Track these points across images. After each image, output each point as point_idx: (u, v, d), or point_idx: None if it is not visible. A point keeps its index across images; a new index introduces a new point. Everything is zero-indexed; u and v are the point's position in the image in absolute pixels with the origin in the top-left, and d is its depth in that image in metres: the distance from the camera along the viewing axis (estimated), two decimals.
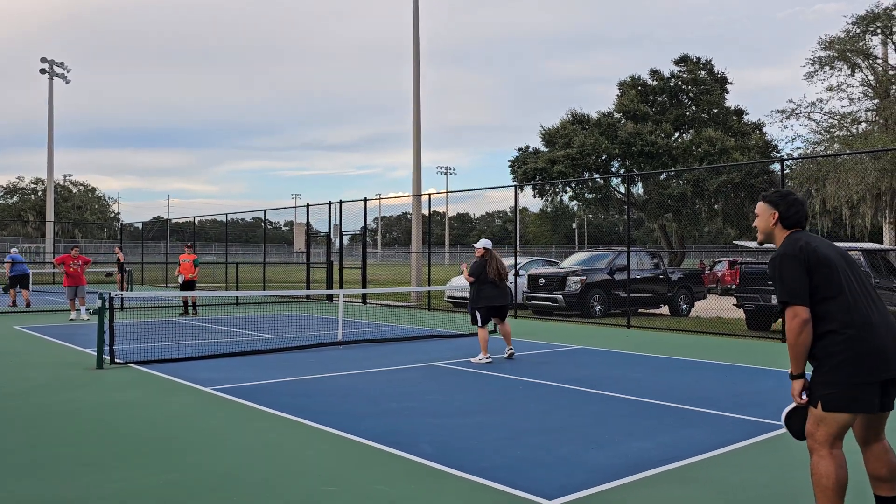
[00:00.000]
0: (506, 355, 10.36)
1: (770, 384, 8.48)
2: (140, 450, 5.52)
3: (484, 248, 10.33)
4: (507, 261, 21.41)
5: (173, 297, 20.49)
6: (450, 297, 20.66)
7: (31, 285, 21.86)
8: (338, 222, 23.75)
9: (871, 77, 33.32)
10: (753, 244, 27.92)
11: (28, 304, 20.23)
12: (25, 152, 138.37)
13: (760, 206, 3.84)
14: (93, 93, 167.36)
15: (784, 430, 5.26)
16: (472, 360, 10.08)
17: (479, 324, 10.18)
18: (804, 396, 3.58)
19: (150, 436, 5.95)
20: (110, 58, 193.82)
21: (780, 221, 3.74)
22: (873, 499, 3.74)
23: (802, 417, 3.67)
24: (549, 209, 36.13)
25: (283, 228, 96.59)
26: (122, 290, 21.93)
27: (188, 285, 17.70)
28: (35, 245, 48.50)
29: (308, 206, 25.34)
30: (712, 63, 34.11)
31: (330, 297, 23.67)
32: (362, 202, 23.25)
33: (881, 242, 32.25)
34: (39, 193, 63.52)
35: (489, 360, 9.97)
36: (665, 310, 19.19)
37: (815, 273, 3.48)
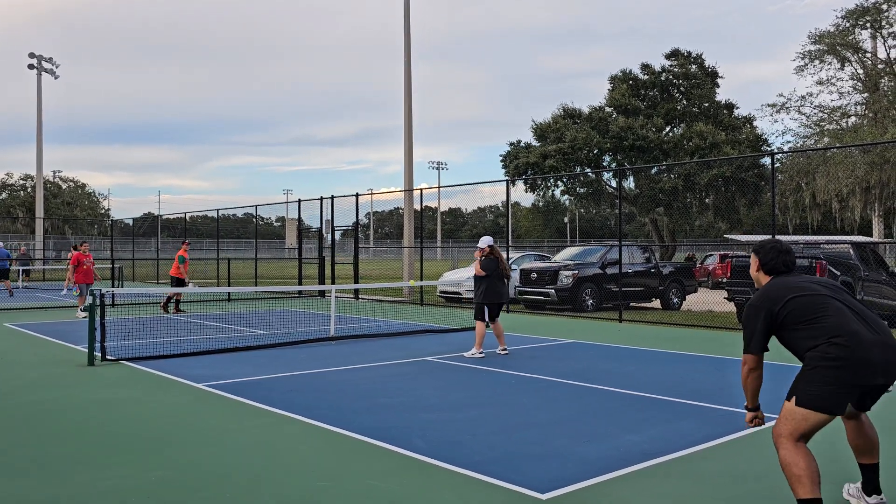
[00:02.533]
0: (501, 352, 10.33)
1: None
2: (133, 447, 5.51)
3: (488, 246, 10.35)
4: None
5: (165, 294, 20.42)
6: (442, 292, 20.67)
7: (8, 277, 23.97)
8: (329, 217, 23.71)
9: (860, 71, 33.46)
10: (744, 238, 28.04)
11: (11, 294, 21.98)
12: (14, 148, 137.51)
13: (754, 259, 4.21)
14: (82, 88, 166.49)
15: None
16: (465, 354, 10.11)
17: (486, 319, 10.21)
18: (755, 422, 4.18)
19: (143, 433, 5.94)
20: (99, 53, 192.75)
21: (762, 268, 4.12)
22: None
23: None
24: (540, 204, 36.16)
25: (275, 224, 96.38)
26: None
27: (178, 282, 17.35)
28: (25, 242, 48.19)
29: (300, 201, 25.29)
30: (703, 57, 34.20)
31: (322, 293, 23.64)
32: (354, 197, 23.22)
33: (870, 235, 32.44)
34: (29, 190, 63.11)
35: (482, 355, 9.99)
36: (657, 303, 19.26)
37: (787, 305, 3.81)
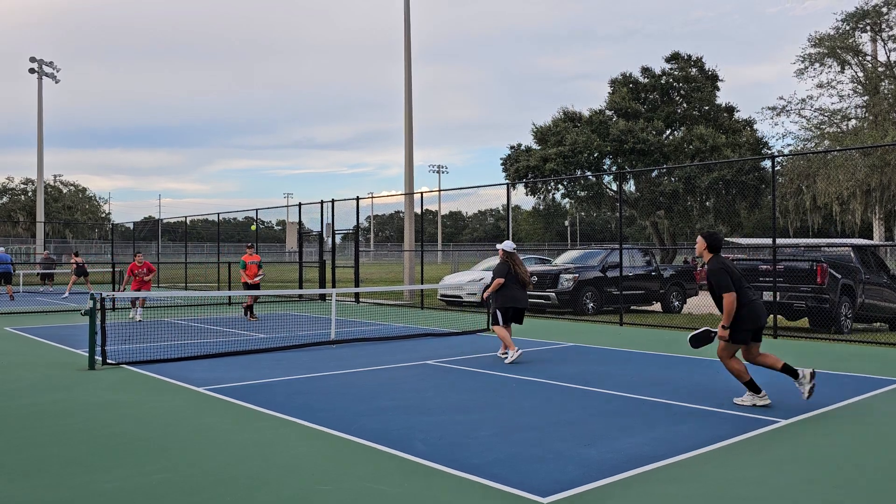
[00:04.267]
0: (501, 356, 10.21)
1: (762, 380, 8.52)
2: (133, 450, 5.51)
3: (503, 251, 10.25)
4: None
5: (165, 298, 20.45)
6: (442, 296, 20.67)
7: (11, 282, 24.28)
8: (330, 221, 23.72)
9: (860, 74, 33.49)
10: (745, 241, 28.02)
11: (11, 298, 22.33)
12: (14, 152, 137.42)
13: (699, 239, 7.15)
14: (81, 92, 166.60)
15: (777, 424, 6.35)
16: (506, 360, 9.83)
17: (501, 323, 10.09)
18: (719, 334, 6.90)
19: (144, 436, 5.94)
20: (98, 56, 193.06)
21: (709, 248, 7.06)
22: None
23: (701, 342, 7.25)
24: (541, 207, 36.16)
25: (276, 228, 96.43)
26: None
27: (252, 287, 16.53)
28: (26, 246, 48.23)
29: (300, 204, 25.32)
30: (703, 60, 34.21)
31: (323, 296, 23.64)
32: (355, 201, 23.24)
33: (871, 238, 32.42)
34: (30, 194, 63.16)
35: (519, 352, 9.84)
36: (657, 307, 19.25)
37: (731, 274, 6.79)
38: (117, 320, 15.69)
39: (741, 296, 6.73)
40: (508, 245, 10.33)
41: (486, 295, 10.45)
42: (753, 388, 6.93)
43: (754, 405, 6.88)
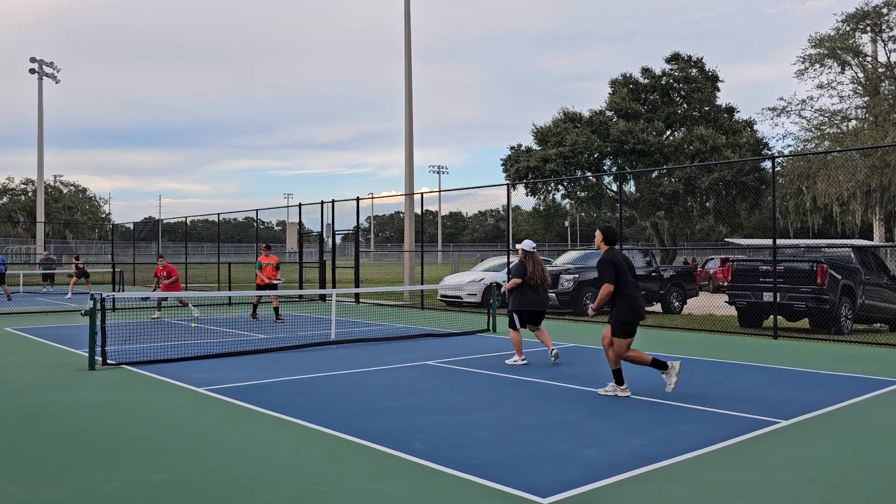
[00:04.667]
0: (552, 358, 9.91)
1: (762, 380, 8.53)
2: (133, 450, 5.50)
3: (522, 251, 9.96)
4: (500, 259, 21.45)
5: (163, 297, 20.43)
6: (443, 296, 20.67)
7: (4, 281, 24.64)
8: (330, 221, 23.73)
9: (860, 74, 33.49)
10: (745, 241, 28.02)
11: (9, 298, 23.03)
12: (14, 152, 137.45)
13: (597, 232, 7.87)
14: (81, 92, 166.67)
15: (777, 425, 6.33)
16: (507, 361, 9.83)
17: (517, 326, 9.89)
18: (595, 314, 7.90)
19: (143, 436, 5.94)
20: (98, 56, 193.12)
21: (604, 241, 7.76)
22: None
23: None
24: (541, 207, 36.15)
25: (276, 228, 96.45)
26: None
27: (269, 287, 16.22)
28: (26, 246, 48.24)
29: (300, 205, 25.33)
30: (703, 61, 34.21)
31: (323, 297, 23.65)
32: (355, 201, 23.25)
33: (871, 239, 32.42)
34: (30, 194, 63.16)
35: (525, 362, 9.77)
36: (657, 307, 19.25)
37: (619, 266, 7.49)
38: (135, 320, 15.70)
39: (624, 289, 7.44)
40: (528, 244, 10.03)
41: (503, 290, 10.16)
42: (619, 379, 7.60)
43: (616, 395, 7.52)
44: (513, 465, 5.06)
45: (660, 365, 7.44)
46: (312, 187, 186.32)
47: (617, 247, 7.88)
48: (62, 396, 7.61)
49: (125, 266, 32.77)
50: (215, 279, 29.92)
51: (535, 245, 10.11)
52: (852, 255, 14.54)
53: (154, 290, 17.59)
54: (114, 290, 22.33)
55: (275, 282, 16.15)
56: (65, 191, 69.18)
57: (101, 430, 6.17)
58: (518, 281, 9.87)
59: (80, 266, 26.57)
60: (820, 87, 34.02)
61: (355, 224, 23.51)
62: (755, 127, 34.10)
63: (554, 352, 9.91)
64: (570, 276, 17.62)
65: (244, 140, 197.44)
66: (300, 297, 24.23)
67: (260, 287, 16.19)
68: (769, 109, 34.46)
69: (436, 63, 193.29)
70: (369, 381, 8.51)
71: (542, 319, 10.19)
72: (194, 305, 17.78)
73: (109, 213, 79.96)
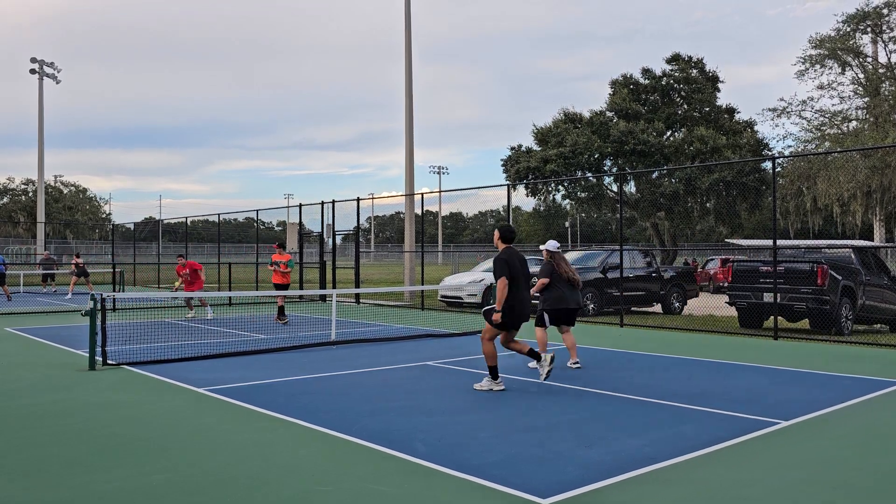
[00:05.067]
0: (572, 365, 9.55)
1: (762, 381, 8.52)
2: (133, 450, 5.51)
3: (547, 251, 9.79)
4: None
5: (164, 298, 20.44)
6: (443, 297, 20.66)
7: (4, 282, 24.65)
8: (330, 222, 23.72)
9: (861, 75, 33.49)
10: (745, 242, 28.03)
11: (9, 298, 23.35)
12: (15, 152, 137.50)
13: (496, 231, 8.16)
14: (82, 92, 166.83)
15: (777, 426, 6.37)
16: (530, 365, 9.07)
17: (546, 325, 9.68)
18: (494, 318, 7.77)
19: (144, 436, 5.94)
20: (98, 56, 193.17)
21: (501, 239, 8.04)
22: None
23: (488, 315, 7.89)
24: (541, 208, 36.14)
25: (276, 228, 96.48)
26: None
27: (282, 286, 16.21)
28: (26, 246, 48.25)
29: (301, 205, 25.32)
30: (703, 61, 34.20)
31: (323, 297, 23.64)
32: (355, 202, 23.25)
33: (872, 240, 32.43)
34: (30, 194, 63.18)
35: (551, 356, 9.48)
36: (658, 308, 19.24)
37: (513, 264, 7.74)
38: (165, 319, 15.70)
39: (513, 288, 7.69)
40: (552, 245, 9.85)
41: (533, 293, 9.75)
42: (494, 375, 7.91)
43: (491, 390, 7.85)
44: (513, 465, 5.06)
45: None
46: (313, 188, 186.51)
47: (513, 245, 8.10)
48: (62, 396, 7.61)
49: (125, 266, 32.76)
50: (216, 279, 29.91)
51: (559, 245, 9.96)
52: (852, 256, 14.54)
53: (176, 290, 17.76)
54: (114, 291, 22.31)
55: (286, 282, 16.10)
56: (65, 191, 69.21)
57: (101, 430, 6.17)
58: (546, 281, 9.67)
59: (81, 265, 26.59)
60: (820, 87, 34.02)
61: (355, 224, 23.51)
62: (755, 127, 34.09)
63: (577, 364, 9.59)
64: None
65: (244, 140, 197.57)
66: (300, 297, 24.23)
67: (277, 286, 16.08)
68: (769, 110, 34.47)
69: (436, 63, 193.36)
70: (369, 381, 8.51)
71: (573, 319, 9.79)
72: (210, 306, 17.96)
73: (110, 214, 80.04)
